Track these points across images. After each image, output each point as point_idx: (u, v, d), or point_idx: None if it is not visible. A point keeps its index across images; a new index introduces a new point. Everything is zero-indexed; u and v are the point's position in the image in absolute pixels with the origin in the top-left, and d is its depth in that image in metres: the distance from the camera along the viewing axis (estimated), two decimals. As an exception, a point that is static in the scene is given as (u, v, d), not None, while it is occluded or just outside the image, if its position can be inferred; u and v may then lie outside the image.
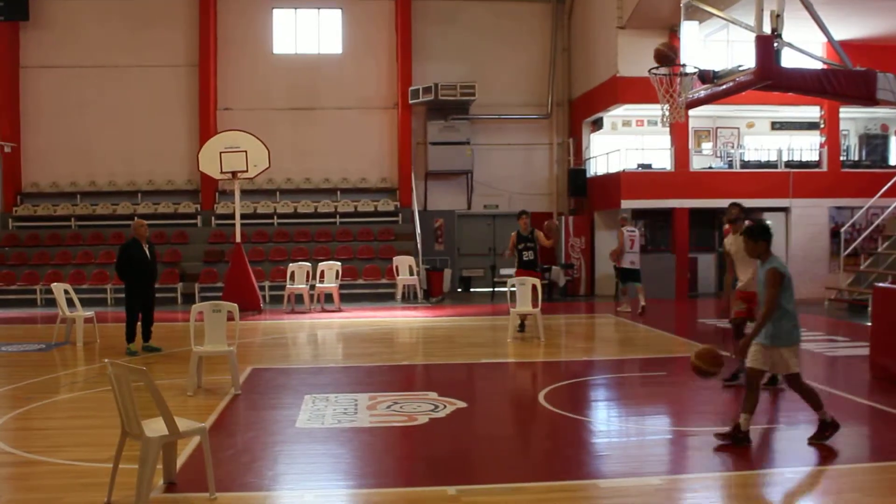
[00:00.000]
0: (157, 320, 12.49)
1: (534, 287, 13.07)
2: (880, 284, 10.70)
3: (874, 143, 22.30)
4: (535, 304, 13.08)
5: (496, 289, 21.22)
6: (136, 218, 13.63)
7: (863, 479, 6.06)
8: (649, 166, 20.86)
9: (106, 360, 5.77)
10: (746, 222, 8.43)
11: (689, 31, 13.90)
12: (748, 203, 19.87)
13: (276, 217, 22.85)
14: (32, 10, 22.43)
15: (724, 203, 19.83)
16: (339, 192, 23.56)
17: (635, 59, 19.04)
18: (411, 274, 20.10)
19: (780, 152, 20.82)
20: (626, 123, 22.26)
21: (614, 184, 20.22)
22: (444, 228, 23.34)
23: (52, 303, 16.37)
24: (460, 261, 23.52)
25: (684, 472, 6.51)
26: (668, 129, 20.05)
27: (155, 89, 22.94)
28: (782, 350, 6.79)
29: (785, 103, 19.70)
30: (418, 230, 22.03)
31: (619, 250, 16.97)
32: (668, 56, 12.34)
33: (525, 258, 13.58)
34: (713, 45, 14.13)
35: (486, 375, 10.79)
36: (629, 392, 9.37)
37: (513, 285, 13.31)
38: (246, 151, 18.01)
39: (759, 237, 7.08)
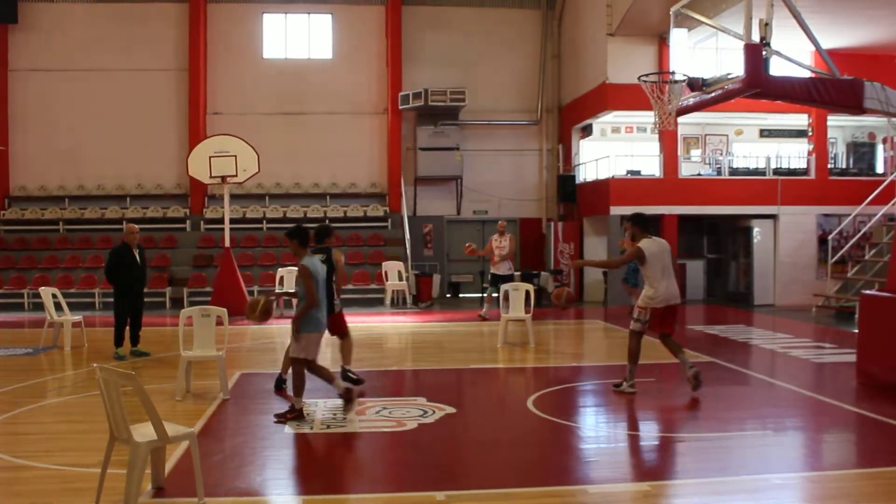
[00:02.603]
0: (146, 325, 12.46)
1: (527, 293, 13.15)
2: (867, 292, 10.78)
3: (861, 152, 22.44)
4: (527, 310, 13.16)
5: (485, 294, 21.19)
6: (125, 222, 13.60)
7: (851, 486, 6.09)
8: (638, 173, 20.91)
9: (94, 365, 5.76)
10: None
11: (679, 39, 13.95)
12: (737, 210, 20.15)
13: (265, 222, 22.80)
14: (21, 12, 22.33)
15: (713, 210, 20.17)
16: (328, 197, 23.54)
17: (625, 65, 19.14)
18: (400, 279, 20.10)
19: (768, 160, 20.91)
20: (616, 130, 22.32)
21: (603, 190, 20.28)
22: (434, 234, 23.36)
23: (39, 307, 16.28)
24: (449, 266, 23.53)
25: (673, 477, 6.53)
26: (657, 136, 20.15)
27: (144, 93, 22.86)
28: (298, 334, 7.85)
29: (773, 111, 19.83)
30: (407, 235, 22.03)
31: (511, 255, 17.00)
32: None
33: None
34: (702, 53, 14.17)
35: (474, 381, 10.81)
36: (618, 398, 9.39)
37: (505, 290, 13.39)
38: (235, 156, 17.98)
39: (290, 237, 8.10)
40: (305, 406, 8.07)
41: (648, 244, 9.15)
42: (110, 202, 22.91)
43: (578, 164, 22.87)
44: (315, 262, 8.03)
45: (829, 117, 20.13)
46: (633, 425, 8.15)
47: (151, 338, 13.08)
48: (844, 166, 21.96)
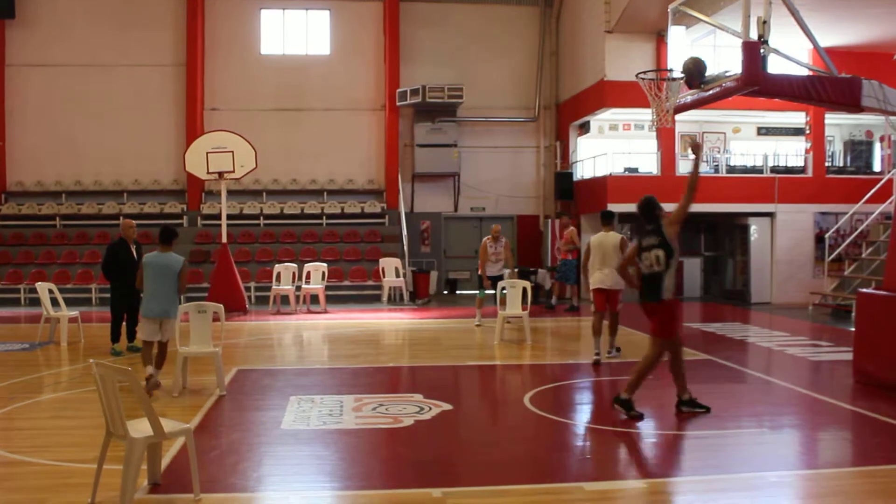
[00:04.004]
0: (142, 320, 12.44)
1: (524, 290, 13.17)
2: (864, 290, 10.78)
3: (859, 150, 22.44)
4: (524, 307, 13.19)
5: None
6: (122, 218, 13.58)
7: (846, 484, 6.10)
8: (636, 170, 20.91)
9: (91, 361, 5.75)
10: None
11: (676, 37, 13.95)
12: (734, 208, 20.14)
13: (262, 218, 22.78)
14: (18, 7, 22.26)
15: (710, 208, 20.15)
16: (325, 194, 23.52)
17: (623, 63, 19.13)
18: (397, 276, 20.09)
19: (765, 157, 20.92)
20: (613, 127, 22.29)
21: (601, 187, 20.27)
22: (431, 230, 23.34)
23: (36, 302, 16.29)
24: (446, 263, 23.52)
25: (669, 474, 6.52)
26: (654, 134, 20.14)
27: (142, 89, 22.82)
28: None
29: (771, 109, 19.81)
30: (405, 232, 22.02)
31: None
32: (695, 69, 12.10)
33: None
34: (700, 51, 14.17)
35: (471, 378, 10.81)
36: (614, 395, 9.39)
37: (503, 288, 13.41)
38: (233, 152, 17.96)
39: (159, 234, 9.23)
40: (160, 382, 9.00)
41: (595, 237, 11.02)
42: (107, 198, 22.87)
43: (576, 162, 22.86)
44: (159, 258, 9.01)
45: (826, 115, 20.13)
46: (629, 422, 8.15)
47: (148, 334, 13.04)
48: (842, 164, 21.97)
